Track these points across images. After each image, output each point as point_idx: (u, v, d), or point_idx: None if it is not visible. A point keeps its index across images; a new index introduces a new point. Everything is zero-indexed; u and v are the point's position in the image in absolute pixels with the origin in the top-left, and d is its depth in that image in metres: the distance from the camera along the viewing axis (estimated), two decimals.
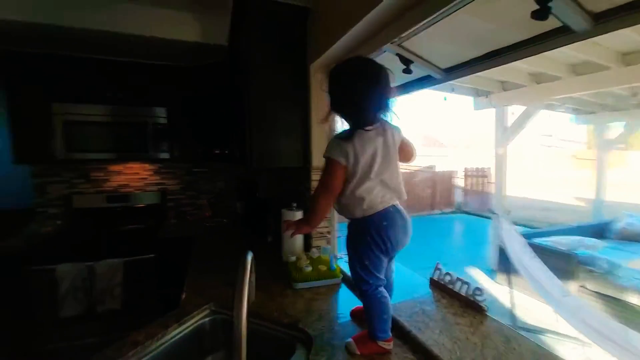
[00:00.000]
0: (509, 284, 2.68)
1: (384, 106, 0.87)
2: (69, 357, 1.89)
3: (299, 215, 1.55)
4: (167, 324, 1.03)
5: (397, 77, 1.35)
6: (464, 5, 0.84)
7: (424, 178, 8.93)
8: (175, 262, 1.94)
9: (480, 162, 8.99)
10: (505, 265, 2.75)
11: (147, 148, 2.41)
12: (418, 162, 11.92)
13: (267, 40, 1.55)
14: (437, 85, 4.03)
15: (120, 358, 0.86)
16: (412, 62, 1.16)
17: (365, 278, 0.89)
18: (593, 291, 2.71)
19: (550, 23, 0.82)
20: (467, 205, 8.89)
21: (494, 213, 3.16)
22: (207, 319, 1.12)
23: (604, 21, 0.74)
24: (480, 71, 1.10)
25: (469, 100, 4.87)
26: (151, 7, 1.99)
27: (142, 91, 2.37)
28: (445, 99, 4.55)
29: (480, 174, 8.61)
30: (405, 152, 0.97)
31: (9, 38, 2.01)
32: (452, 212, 9.03)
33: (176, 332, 1.02)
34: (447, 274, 1.21)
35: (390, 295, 0.96)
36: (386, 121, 0.90)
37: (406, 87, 1.41)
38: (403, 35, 1.03)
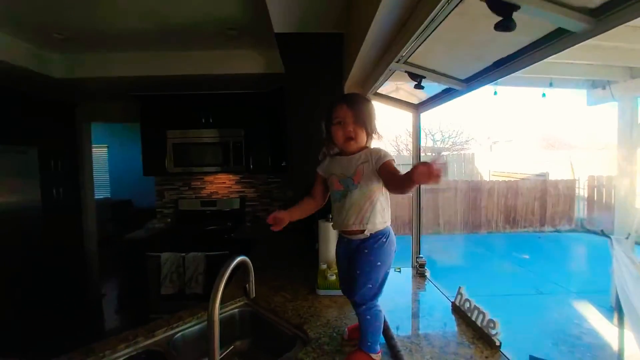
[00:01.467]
0: (620, 325, 2.09)
1: None
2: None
3: (330, 225, 1.64)
4: (207, 307, 1.28)
5: (425, 91, 1.34)
6: (446, 16, 0.82)
7: (530, 188, 7.57)
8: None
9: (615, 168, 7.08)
10: (619, 303, 2.16)
11: (230, 162, 2.90)
12: (525, 169, 10.14)
13: (305, 66, 1.72)
14: (525, 82, 3.51)
15: (166, 327, 1.14)
16: (423, 77, 1.14)
17: (379, 293, 0.94)
18: None
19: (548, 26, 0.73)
20: (593, 223, 7.09)
21: (607, 236, 2.52)
22: (237, 310, 1.33)
23: (605, 17, 0.63)
24: (496, 79, 1.00)
25: (580, 94, 4.01)
26: (226, 51, 2.47)
27: (224, 116, 2.88)
28: (544, 95, 3.85)
29: (610, 184, 6.75)
30: (388, 178, 0.91)
31: (138, 86, 2.77)
32: (570, 231, 7.34)
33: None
34: (467, 300, 1.12)
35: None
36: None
37: (432, 101, 1.36)
38: (404, 52, 1.04)
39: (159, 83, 2.71)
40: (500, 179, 8.79)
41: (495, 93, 3.78)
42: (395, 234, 0.98)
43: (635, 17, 0.60)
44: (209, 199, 3.21)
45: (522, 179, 8.25)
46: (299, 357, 0.97)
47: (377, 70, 1.24)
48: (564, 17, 0.65)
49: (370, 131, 0.96)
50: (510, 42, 0.83)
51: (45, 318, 2.58)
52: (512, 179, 8.25)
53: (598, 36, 0.68)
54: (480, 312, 1.03)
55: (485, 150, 15.56)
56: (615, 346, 2.30)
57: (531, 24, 0.72)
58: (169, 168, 2.88)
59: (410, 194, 1.56)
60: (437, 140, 14.64)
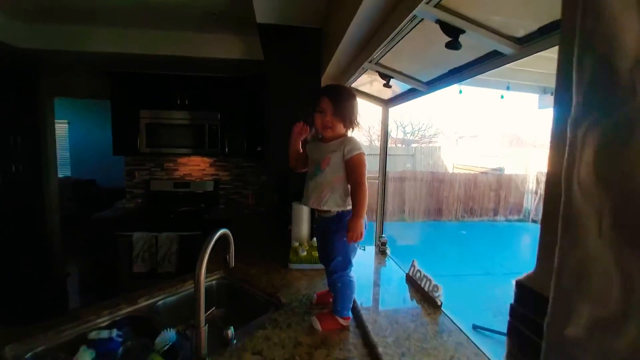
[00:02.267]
0: None
1: None
2: None
3: (305, 207, 1.78)
4: (186, 279, 1.38)
5: (393, 89, 1.49)
6: (409, 32, 0.96)
7: (487, 181, 8.22)
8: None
9: None
10: None
11: (205, 145, 2.92)
12: (485, 163, 10.93)
13: (285, 57, 1.81)
14: (487, 84, 3.77)
15: (148, 296, 1.24)
16: (391, 77, 1.29)
17: (349, 264, 1.09)
18: None
19: (487, 47, 0.90)
20: (539, 214, 7.90)
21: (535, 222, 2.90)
22: (214, 281, 1.45)
23: (528, 45, 0.80)
24: (452, 84, 1.17)
25: (533, 98, 4.42)
26: (206, 34, 2.46)
27: (201, 99, 2.87)
28: (502, 97, 4.20)
29: None
30: (353, 171, 1.04)
31: (111, 63, 2.68)
32: (519, 220, 8.13)
33: (190, 287, 1.37)
34: (418, 270, 1.32)
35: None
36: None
37: (399, 98, 1.52)
38: (375, 55, 1.18)
39: (133, 61, 2.64)
40: (462, 171, 9.41)
41: (460, 92, 4.06)
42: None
43: (548, 47, 0.78)
44: (182, 180, 3.21)
45: (482, 172, 8.90)
46: (272, 317, 1.11)
47: (352, 67, 1.37)
48: (497, 42, 0.81)
49: (348, 124, 1.06)
50: (460, 56, 0.99)
51: (6, 297, 2.51)
52: (472, 172, 8.87)
53: (549, 51, 0.85)
54: (427, 279, 1.24)
55: (452, 144, 16.41)
56: None
57: (474, 45, 0.89)
58: (141, 148, 2.84)
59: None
60: (408, 133, 15.21)
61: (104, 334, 0.99)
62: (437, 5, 0.76)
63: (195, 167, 3.28)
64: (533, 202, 8.30)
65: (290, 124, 1.89)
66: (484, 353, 0.89)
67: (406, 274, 1.40)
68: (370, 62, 1.23)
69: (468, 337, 0.97)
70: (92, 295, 2.97)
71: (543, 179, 8.09)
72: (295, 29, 1.74)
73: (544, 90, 4.16)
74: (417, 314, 1.11)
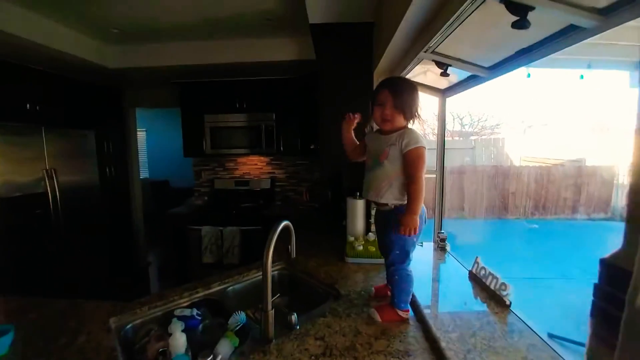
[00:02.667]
0: None
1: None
2: None
3: (360, 202, 1.80)
4: (251, 268, 1.50)
5: (445, 79, 1.43)
6: (471, 14, 0.91)
7: (563, 174, 7.26)
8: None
9: None
10: None
11: (262, 144, 3.10)
12: (561, 154, 9.67)
13: (337, 54, 1.84)
14: (561, 63, 3.42)
15: (220, 281, 1.37)
16: (449, 65, 1.24)
17: (407, 258, 1.09)
18: None
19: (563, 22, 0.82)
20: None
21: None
22: (276, 272, 1.54)
23: (613, 14, 0.71)
24: (518, 67, 1.08)
25: (622, 75, 3.79)
26: (264, 39, 2.61)
27: (258, 101, 3.05)
28: (581, 77, 3.68)
29: None
30: (410, 164, 1.02)
31: (179, 74, 3.00)
32: (606, 219, 7.03)
33: (256, 275, 1.49)
34: (483, 268, 1.25)
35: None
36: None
37: (458, 86, 1.45)
38: (431, 43, 1.14)
39: (198, 70, 2.91)
40: (532, 164, 8.48)
41: (528, 75, 3.66)
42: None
43: (637, 16, 0.68)
44: (242, 178, 3.45)
45: (556, 164, 7.90)
46: (332, 307, 1.15)
47: (407, 58, 1.35)
48: (574, 15, 0.74)
49: (409, 116, 1.04)
50: (530, 35, 0.92)
51: (99, 282, 2.98)
52: (545, 165, 7.94)
53: None
54: (494, 277, 1.16)
55: (519, 134, 14.86)
56: None
57: (547, 20, 0.81)
58: (206, 150, 3.12)
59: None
60: (466, 124, 14.16)
61: (187, 312, 1.13)
62: None
63: (253, 165, 3.50)
64: (623, 197, 7.12)
65: (341, 122, 1.93)
66: (560, 355, 0.82)
67: (469, 270, 1.33)
68: (426, 51, 1.20)
69: (542, 340, 0.89)
70: (169, 282, 3.37)
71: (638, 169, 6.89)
72: (347, 25, 1.76)
73: (636, 66, 3.54)
74: (482, 313, 1.06)
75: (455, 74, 1.52)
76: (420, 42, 1.19)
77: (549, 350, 0.84)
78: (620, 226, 6.67)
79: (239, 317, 1.06)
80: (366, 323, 1.03)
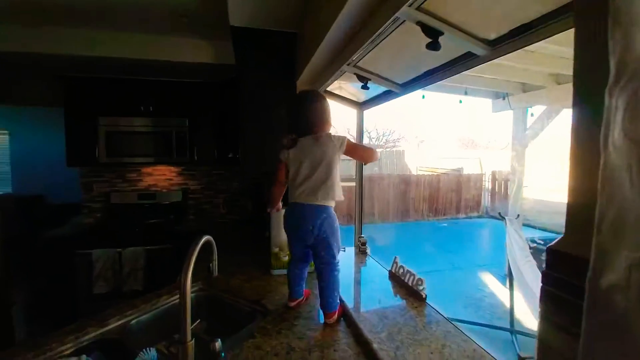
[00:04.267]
0: (510, 288, 2.66)
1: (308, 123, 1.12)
2: None
3: (282, 212, 1.76)
4: (161, 294, 1.29)
5: (366, 92, 1.53)
6: (390, 33, 0.99)
7: (448, 181, 8.71)
8: (186, 251, 2.24)
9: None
10: (509, 270, 2.73)
11: (172, 153, 2.77)
12: (445, 165, 11.59)
13: (259, 61, 1.79)
14: (447, 89, 4.02)
15: (119, 315, 1.13)
16: (369, 79, 1.33)
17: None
18: None
19: (461, 49, 0.96)
20: (494, 210, 8.53)
21: (502, 217, 3.13)
22: (193, 294, 1.36)
23: (498, 46, 0.87)
24: (426, 85, 1.24)
25: (487, 102, 4.79)
26: (173, 37, 2.36)
27: (168, 105, 2.73)
28: (460, 102, 4.50)
29: (507, 178, 8.21)
30: (356, 156, 1.18)
31: (67, 66, 2.47)
32: (478, 217, 8.70)
33: (167, 301, 1.28)
34: (401, 266, 1.35)
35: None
36: (321, 134, 1.10)
37: (374, 100, 1.57)
38: (354, 57, 1.21)
39: (91, 64, 2.45)
40: (426, 173, 9.89)
41: (423, 97, 4.28)
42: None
43: (517, 48, 0.84)
44: (147, 191, 3.01)
45: (443, 173, 9.40)
46: (261, 325, 1.07)
47: (329, 70, 1.39)
48: (471, 44, 0.87)
49: (328, 124, 1.15)
50: (436, 58, 1.05)
51: None
52: (435, 173, 9.35)
53: (501, 57, 0.93)
54: (411, 274, 1.27)
55: (414, 148, 17.24)
56: (507, 304, 2.91)
57: (450, 47, 0.94)
58: (100, 158, 2.62)
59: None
60: (373, 138, 15.70)
61: None
62: (419, 8, 0.80)
63: (161, 176, 3.10)
64: (489, 199, 8.94)
65: (265, 128, 1.87)
66: (471, 339, 0.93)
67: (389, 270, 1.43)
68: (349, 64, 1.26)
69: (455, 326, 1.00)
70: (45, 325, 2.66)
71: (497, 177, 8.68)
72: (270, 33, 1.73)
73: (496, 95, 4.53)
74: (404, 308, 1.14)
75: (367, 92, 1.66)
76: (343, 55, 1.24)
77: (460, 335, 0.95)
78: (488, 222, 8.33)
79: (148, 356, 0.88)
80: (298, 337, 0.99)
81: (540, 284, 0.31)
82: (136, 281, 2.32)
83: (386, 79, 1.35)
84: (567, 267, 0.29)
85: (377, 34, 0.98)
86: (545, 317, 0.31)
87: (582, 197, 0.31)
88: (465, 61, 0.97)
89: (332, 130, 1.19)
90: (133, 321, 1.17)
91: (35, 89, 2.91)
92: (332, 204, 1.11)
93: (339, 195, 1.10)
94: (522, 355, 0.65)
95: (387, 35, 1.02)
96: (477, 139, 20.74)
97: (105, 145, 2.62)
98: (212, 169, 3.18)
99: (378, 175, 8.57)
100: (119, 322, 1.14)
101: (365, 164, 1.18)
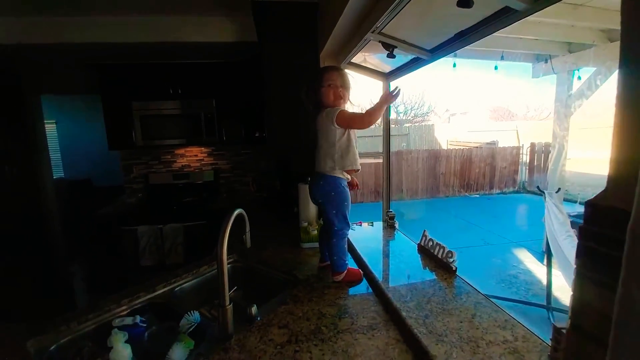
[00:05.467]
0: (548, 264, 2.55)
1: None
2: None
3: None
4: (200, 264, 1.39)
5: (392, 62, 1.47)
6: None
7: (481, 155, 8.27)
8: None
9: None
10: (548, 246, 2.61)
11: (202, 134, 2.87)
12: (478, 138, 10.98)
13: (282, 35, 1.76)
14: (481, 55, 3.76)
15: (165, 282, 1.24)
16: (395, 47, 1.26)
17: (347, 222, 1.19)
18: None
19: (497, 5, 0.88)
20: (532, 184, 8.04)
21: (541, 191, 2.95)
22: (229, 266, 1.45)
23: None
24: (457, 49, 1.16)
25: (526, 67, 4.41)
26: (195, 17, 2.36)
27: (195, 86, 2.79)
28: (496, 68, 4.18)
29: (548, 150, 7.63)
30: (353, 126, 1.16)
31: (99, 54, 2.59)
32: (514, 192, 8.26)
33: (206, 271, 1.38)
34: (430, 240, 1.34)
35: None
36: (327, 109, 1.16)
37: (401, 70, 1.50)
38: (379, 23, 1.15)
39: (120, 51, 2.54)
40: (457, 147, 9.46)
41: (454, 65, 4.03)
42: (362, 202, 1.23)
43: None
44: (181, 172, 3.17)
45: (476, 147, 8.94)
46: (293, 293, 1.13)
47: (353, 40, 1.34)
48: None
49: (349, 96, 1.19)
50: (469, 17, 0.97)
51: (10, 304, 2.50)
52: (467, 147, 8.92)
53: (541, 14, 0.84)
54: (440, 247, 1.26)
55: (444, 122, 16.44)
56: (544, 281, 2.81)
57: (484, 3, 0.87)
58: (137, 141, 2.78)
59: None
60: (401, 112, 15.14)
61: (128, 320, 0.99)
62: None
63: (193, 157, 3.24)
64: (526, 173, 8.43)
65: (290, 106, 1.87)
66: (502, 309, 0.92)
67: (418, 244, 1.42)
68: (373, 31, 1.20)
69: (486, 297, 0.99)
70: (100, 294, 2.98)
71: (536, 149, 8.11)
72: (290, 5, 1.69)
73: (537, 58, 4.14)
74: (433, 280, 1.14)
75: (393, 62, 1.58)
76: (367, 22, 1.19)
77: (492, 305, 0.94)
78: (525, 197, 7.91)
79: (192, 318, 0.97)
80: (329, 305, 1.03)
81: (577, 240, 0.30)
82: (177, 255, 2.50)
83: (413, 45, 1.28)
84: (607, 220, 0.28)
85: None
86: (582, 273, 0.29)
87: (627, 150, 0.29)
88: (501, 18, 0.89)
89: (352, 106, 1.23)
90: (177, 289, 1.28)
91: (73, 78, 3.08)
92: (334, 173, 1.17)
93: (332, 167, 1.16)
94: (558, 325, 0.63)
95: None
96: (514, 109, 19.29)
97: (141, 128, 2.76)
98: (241, 148, 3.26)
99: (406, 151, 8.33)
100: (165, 289, 1.25)
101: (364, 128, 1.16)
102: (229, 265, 1.46)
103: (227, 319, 0.89)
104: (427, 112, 15.51)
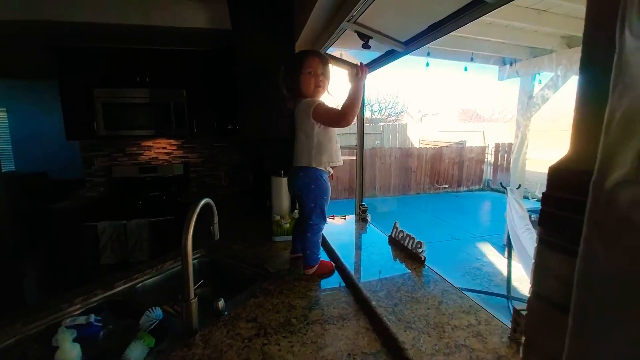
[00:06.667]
0: (509, 256, 2.70)
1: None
2: None
3: (284, 180, 1.75)
4: (165, 259, 1.32)
5: (364, 53, 1.46)
6: None
7: (450, 154, 8.62)
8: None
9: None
10: (509, 240, 2.77)
11: (171, 125, 2.73)
12: (447, 138, 11.43)
13: (256, 23, 1.70)
14: (452, 56, 3.87)
15: (125, 279, 1.16)
16: (370, 37, 1.26)
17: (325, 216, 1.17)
18: None
19: None
20: (496, 183, 8.52)
21: (504, 187, 3.12)
22: (196, 260, 1.39)
23: None
24: (430, 42, 1.18)
25: (493, 70, 4.62)
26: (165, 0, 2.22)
27: (164, 74, 2.65)
28: (465, 69, 4.34)
29: (511, 150, 8.11)
30: (327, 122, 1.09)
31: (57, 36, 2.37)
32: (480, 190, 8.71)
33: (171, 267, 1.31)
34: (401, 231, 1.36)
35: None
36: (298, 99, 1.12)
37: (375, 62, 1.50)
38: (354, 12, 1.14)
39: (82, 33, 2.34)
40: (428, 146, 9.78)
41: (427, 64, 4.13)
42: (336, 198, 1.20)
43: None
44: (148, 165, 3.01)
45: (446, 146, 9.29)
46: (263, 286, 1.10)
47: (329, 29, 1.32)
48: None
49: (328, 86, 1.13)
50: (441, 9, 0.99)
51: None
52: (437, 147, 9.24)
53: (508, 17, 0.87)
54: (410, 237, 1.28)
55: (416, 122, 16.94)
56: (505, 272, 2.97)
57: None
58: (99, 131, 2.59)
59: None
60: (375, 111, 15.39)
61: (81, 319, 0.92)
62: None
63: (162, 150, 3.08)
64: (490, 172, 8.91)
65: (264, 97, 1.82)
66: (467, 296, 0.95)
67: (389, 235, 1.44)
68: (349, 20, 1.19)
69: (452, 284, 1.02)
70: (55, 296, 2.76)
71: (500, 149, 8.53)
72: None
73: (503, 61, 4.36)
74: (403, 270, 1.15)
75: (368, 56, 1.59)
76: (343, 10, 1.18)
77: (457, 292, 0.97)
78: (489, 195, 8.35)
79: (154, 314, 0.91)
80: (299, 297, 1.01)
81: (540, 208, 0.30)
82: (142, 252, 2.37)
83: (388, 37, 1.28)
84: (569, 184, 0.28)
85: None
86: (543, 240, 0.30)
87: (589, 112, 0.29)
88: (472, 10, 0.91)
89: (330, 97, 1.17)
90: (139, 285, 1.20)
91: (27, 61, 2.82)
92: (313, 165, 1.11)
93: (309, 159, 1.11)
94: (517, 307, 0.66)
95: None
96: (481, 111, 20.30)
97: (103, 117, 2.57)
98: (213, 141, 3.15)
99: (380, 148, 8.48)
100: (126, 286, 1.17)
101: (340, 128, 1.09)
102: (195, 260, 1.40)
103: (192, 313, 0.84)
104: (401, 112, 15.90)
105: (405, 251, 1.28)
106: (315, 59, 1.09)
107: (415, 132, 12.42)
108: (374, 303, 0.90)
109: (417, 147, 10.70)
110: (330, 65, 1.14)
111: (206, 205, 0.98)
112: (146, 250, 2.39)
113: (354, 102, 1.00)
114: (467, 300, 0.91)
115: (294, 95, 1.14)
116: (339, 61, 1.78)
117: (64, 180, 4.15)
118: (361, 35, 1.26)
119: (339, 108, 1.03)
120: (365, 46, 1.29)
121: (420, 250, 1.20)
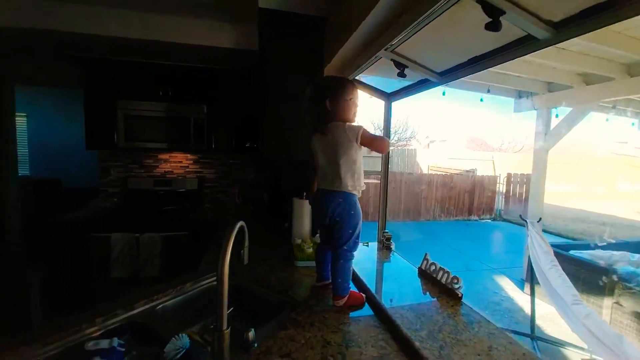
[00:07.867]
0: (532, 293, 2.58)
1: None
2: None
3: (306, 203, 1.72)
4: (185, 280, 1.27)
5: (396, 81, 1.47)
6: (441, 13, 0.93)
7: (461, 182, 8.55)
8: (204, 239, 2.22)
9: (529, 168, 8.34)
10: (531, 275, 2.66)
11: (190, 140, 2.75)
12: (456, 165, 11.40)
13: (286, 47, 1.74)
14: (469, 87, 3.92)
15: (146, 299, 1.11)
16: (406, 66, 1.26)
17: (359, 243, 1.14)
18: (630, 310, 2.51)
19: (517, 32, 0.90)
20: (508, 213, 8.36)
21: (524, 220, 3.04)
22: (215, 282, 1.33)
23: (564, 29, 0.80)
24: (468, 75, 1.17)
25: (509, 101, 4.65)
26: (194, 19, 2.29)
27: (186, 90, 2.71)
28: (481, 100, 4.38)
29: (524, 181, 8.03)
30: (373, 147, 1.11)
31: (85, 48, 2.45)
32: (492, 219, 8.54)
33: (191, 288, 1.26)
34: (433, 264, 1.30)
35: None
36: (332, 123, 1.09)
37: (405, 90, 1.51)
38: (394, 41, 1.15)
39: (107, 45, 2.40)
40: (438, 172, 9.75)
41: (444, 93, 4.18)
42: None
43: (586, 32, 0.77)
44: (163, 178, 3.01)
45: (456, 173, 9.24)
46: (291, 317, 1.04)
47: (363, 56, 1.33)
48: (533, 25, 0.81)
49: None
50: (486, 43, 0.99)
51: None
52: (448, 173, 9.20)
53: (531, 55, 0.86)
54: (444, 272, 1.22)
55: (424, 147, 17.03)
56: (526, 309, 2.83)
57: (508, 28, 0.87)
58: (119, 142, 2.62)
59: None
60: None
61: (104, 343, 0.86)
62: None
63: (177, 164, 3.10)
64: (502, 202, 8.78)
65: (289, 118, 1.83)
66: (517, 342, 0.88)
67: (418, 267, 1.38)
68: (386, 49, 1.20)
69: (497, 327, 0.95)
70: (61, 309, 2.68)
71: (512, 180, 8.48)
72: (297, 16, 1.68)
73: (519, 95, 4.39)
74: (439, 307, 1.09)
75: (394, 84, 1.60)
76: (382, 39, 1.19)
77: (505, 337, 0.90)
78: (501, 225, 8.18)
79: (181, 342, 0.86)
80: (333, 331, 0.95)
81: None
82: (153, 267, 2.32)
83: (424, 67, 1.28)
84: None
85: (425, 15, 0.92)
86: None
87: None
88: (520, 46, 0.90)
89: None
90: (159, 307, 1.15)
91: (50, 69, 2.89)
92: (351, 190, 1.09)
93: (352, 185, 1.09)
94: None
95: (434, 18, 0.96)
96: (490, 140, 20.37)
97: (125, 128, 2.61)
98: (229, 158, 3.16)
99: (391, 173, 8.46)
100: (146, 307, 1.12)
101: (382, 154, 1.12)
102: (214, 282, 1.35)
103: (224, 345, 0.79)
104: (411, 137, 16.01)
105: (439, 285, 1.22)
106: (354, 88, 1.11)
107: (424, 158, 12.45)
108: (417, 344, 0.83)
109: (427, 172, 10.68)
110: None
111: (240, 227, 0.94)
112: (157, 266, 2.33)
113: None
114: (518, 347, 0.84)
115: (323, 119, 1.11)
116: (365, 87, 1.79)
117: (76, 189, 4.17)
118: (397, 64, 1.26)
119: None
120: (401, 75, 1.29)
121: (457, 286, 1.14)
